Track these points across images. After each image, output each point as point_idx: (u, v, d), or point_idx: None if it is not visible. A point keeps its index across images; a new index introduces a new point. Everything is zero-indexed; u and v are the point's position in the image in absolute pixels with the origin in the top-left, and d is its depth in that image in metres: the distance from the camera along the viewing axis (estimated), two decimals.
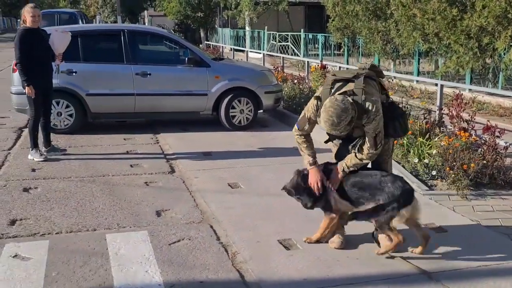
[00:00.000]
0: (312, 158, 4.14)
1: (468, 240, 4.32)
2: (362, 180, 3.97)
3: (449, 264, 3.89)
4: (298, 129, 4.15)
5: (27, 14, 6.41)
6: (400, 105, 4.74)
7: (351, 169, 3.99)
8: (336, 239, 4.22)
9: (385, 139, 3.99)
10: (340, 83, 3.90)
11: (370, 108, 3.77)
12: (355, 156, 3.96)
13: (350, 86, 3.83)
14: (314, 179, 4.10)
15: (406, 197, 3.83)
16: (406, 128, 4.14)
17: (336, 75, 4.02)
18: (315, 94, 4.04)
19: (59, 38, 6.70)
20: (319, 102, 3.93)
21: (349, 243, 4.22)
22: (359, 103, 3.75)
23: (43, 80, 6.58)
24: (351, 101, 3.71)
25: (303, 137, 4.17)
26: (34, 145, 6.70)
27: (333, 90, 3.88)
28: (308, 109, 4.03)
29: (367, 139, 3.88)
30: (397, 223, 3.86)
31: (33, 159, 6.64)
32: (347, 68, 11.38)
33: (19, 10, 7.29)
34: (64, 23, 25.80)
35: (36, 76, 6.47)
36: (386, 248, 3.97)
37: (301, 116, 4.15)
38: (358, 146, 3.98)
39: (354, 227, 4.32)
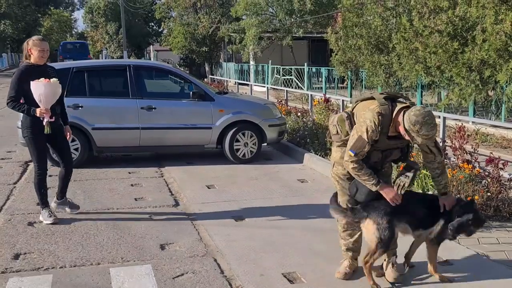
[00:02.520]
0: (376, 178, 3.83)
1: (474, 273, 4.28)
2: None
3: None
4: (354, 155, 3.80)
5: (35, 48, 5.35)
6: None
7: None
8: (342, 269, 4.21)
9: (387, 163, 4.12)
10: (389, 102, 3.84)
11: None
12: (444, 170, 4.04)
13: (402, 104, 3.83)
14: (392, 195, 3.85)
15: None
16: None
17: (387, 93, 3.96)
18: (375, 110, 3.76)
19: (40, 89, 5.28)
20: (381, 118, 3.75)
21: (355, 274, 4.21)
22: None
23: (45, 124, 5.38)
24: None
25: (357, 163, 3.81)
26: (43, 203, 5.66)
27: (390, 107, 3.80)
28: (367, 129, 3.75)
29: (429, 151, 3.94)
30: None
31: (42, 222, 5.60)
32: (350, 102, 11.46)
33: None
34: (77, 50, 36.85)
35: (38, 120, 5.36)
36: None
37: (355, 139, 3.82)
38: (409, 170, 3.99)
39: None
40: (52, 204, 5.78)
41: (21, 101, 5.39)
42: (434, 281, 4.10)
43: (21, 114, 5.60)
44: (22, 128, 5.57)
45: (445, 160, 6.66)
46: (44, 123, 5.34)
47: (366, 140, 3.76)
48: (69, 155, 5.90)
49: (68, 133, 5.83)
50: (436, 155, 3.96)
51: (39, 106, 5.31)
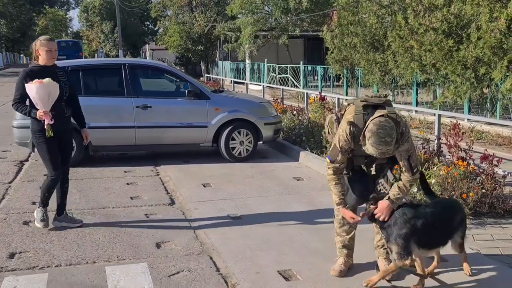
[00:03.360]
0: (338, 198, 3.93)
1: None
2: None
3: None
4: (330, 161, 3.93)
5: (42, 48, 5.10)
6: None
7: (398, 200, 3.84)
8: (337, 267, 4.23)
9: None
10: (369, 109, 3.81)
11: (404, 129, 3.75)
12: (399, 184, 3.86)
13: (382, 111, 3.73)
14: (348, 216, 3.95)
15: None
16: None
17: (367, 101, 3.89)
18: (347, 119, 3.83)
19: (32, 91, 4.99)
20: (353, 128, 3.79)
21: (350, 271, 4.22)
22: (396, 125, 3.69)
23: (55, 128, 5.12)
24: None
25: (335, 170, 3.92)
26: (43, 204, 5.35)
27: (365, 116, 3.78)
28: (340, 138, 3.85)
29: (401, 163, 3.83)
30: None
31: (34, 222, 5.42)
32: (346, 100, 11.48)
33: (22, 45, 6.72)
34: (70, 48, 38.50)
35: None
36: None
37: (331, 147, 3.99)
38: (384, 176, 4.02)
39: (357, 256, 4.32)
40: (53, 222, 5.40)
41: (27, 103, 5.15)
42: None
43: (19, 114, 5.36)
44: (32, 133, 5.25)
45: (440, 158, 6.72)
46: (45, 126, 5.06)
47: (339, 149, 3.87)
48: (68, 164, 5.50)
49: (86, 136, 5.61)
50: (404, 171, 3.82)
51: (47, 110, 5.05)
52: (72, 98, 5.42)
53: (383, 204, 3.83)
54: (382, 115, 3.67)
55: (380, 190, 4.03)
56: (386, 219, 3.82)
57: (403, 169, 3.84)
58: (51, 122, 5.07)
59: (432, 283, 4.05)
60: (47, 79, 5.05)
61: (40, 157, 5.37)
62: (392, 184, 3.98)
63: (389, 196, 3.84)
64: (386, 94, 4.13)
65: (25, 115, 5.20)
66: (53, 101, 5.09)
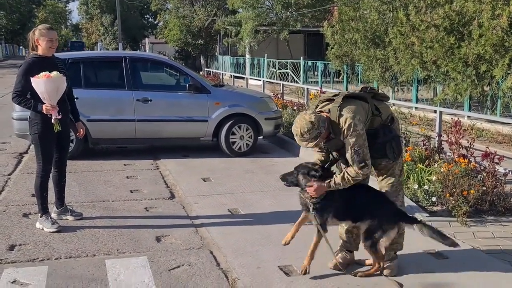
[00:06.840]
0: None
1: (469, 267, 4.30)
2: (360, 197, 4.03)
3: None
4: None
5: (42, 38, 4.89)
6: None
7: (337, 186, 3.93)
8: (335, 261, 4.24)
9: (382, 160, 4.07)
10: (325, 103, 4.01)
11: (342, 125, 3.82)
12: (343, 173, 3.93)
13: (329, 105, 3.95)
14: None
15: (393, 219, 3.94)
16: (396, 152, 4.08)
17: (323, 96, 4.17)
18: None
19: (41, 87, 4.81)
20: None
21: (351, 267, 4.22)
22: (333, 120, 3.85)
23: (60, 122, 4.99)
24: (323, 118, 3.82)
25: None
26: (43, 210, 5.15)
27: (317, 109, 4.01)
28: None
29: (347, 156, 3.89)
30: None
31: (42, 229, 5.11)
32: None
33: (21, 37, 6.41)
34: (77, 48, 37.82)
35: (47, 116, 4.92)
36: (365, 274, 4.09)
37: None
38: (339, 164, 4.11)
39: (358, 253, 4.31)
40: (52, 214, 5.29)
41: (28, 95, 4.91)
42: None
43: (18, 106, 5.18)
44: (31, 124, 5.01)
45: (441, 155, 6.70)
46: (52, 121, 4.88)
47: None
48: (65, 157, 5.35)
49: (82, 130, 5.49)
50: (352, 164, 3.86)
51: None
52: (69, 90, 5.24)
53: (321, 184, 3.96)
54: (320, 111, 3.94)
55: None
56: (314, 196, 4.00)
57: (350, 161, 3.89)
58: (59, 117, 4.92)
59: (434, 277, 4.05)
60: (54, 72, 4.86)
61: (34, 151, 5.14)
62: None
63: (330, 181, 3.94)
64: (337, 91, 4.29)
65: (29, 109, 4.95)
66: (60, 95, 4.95)
